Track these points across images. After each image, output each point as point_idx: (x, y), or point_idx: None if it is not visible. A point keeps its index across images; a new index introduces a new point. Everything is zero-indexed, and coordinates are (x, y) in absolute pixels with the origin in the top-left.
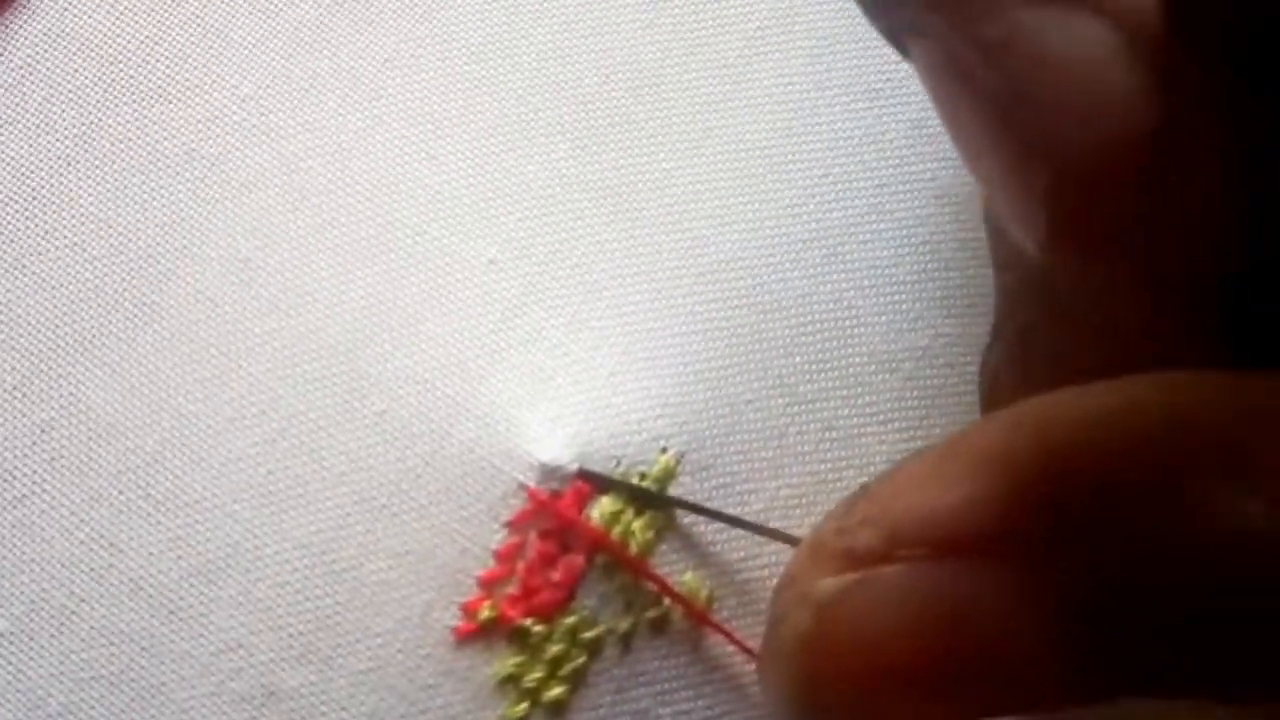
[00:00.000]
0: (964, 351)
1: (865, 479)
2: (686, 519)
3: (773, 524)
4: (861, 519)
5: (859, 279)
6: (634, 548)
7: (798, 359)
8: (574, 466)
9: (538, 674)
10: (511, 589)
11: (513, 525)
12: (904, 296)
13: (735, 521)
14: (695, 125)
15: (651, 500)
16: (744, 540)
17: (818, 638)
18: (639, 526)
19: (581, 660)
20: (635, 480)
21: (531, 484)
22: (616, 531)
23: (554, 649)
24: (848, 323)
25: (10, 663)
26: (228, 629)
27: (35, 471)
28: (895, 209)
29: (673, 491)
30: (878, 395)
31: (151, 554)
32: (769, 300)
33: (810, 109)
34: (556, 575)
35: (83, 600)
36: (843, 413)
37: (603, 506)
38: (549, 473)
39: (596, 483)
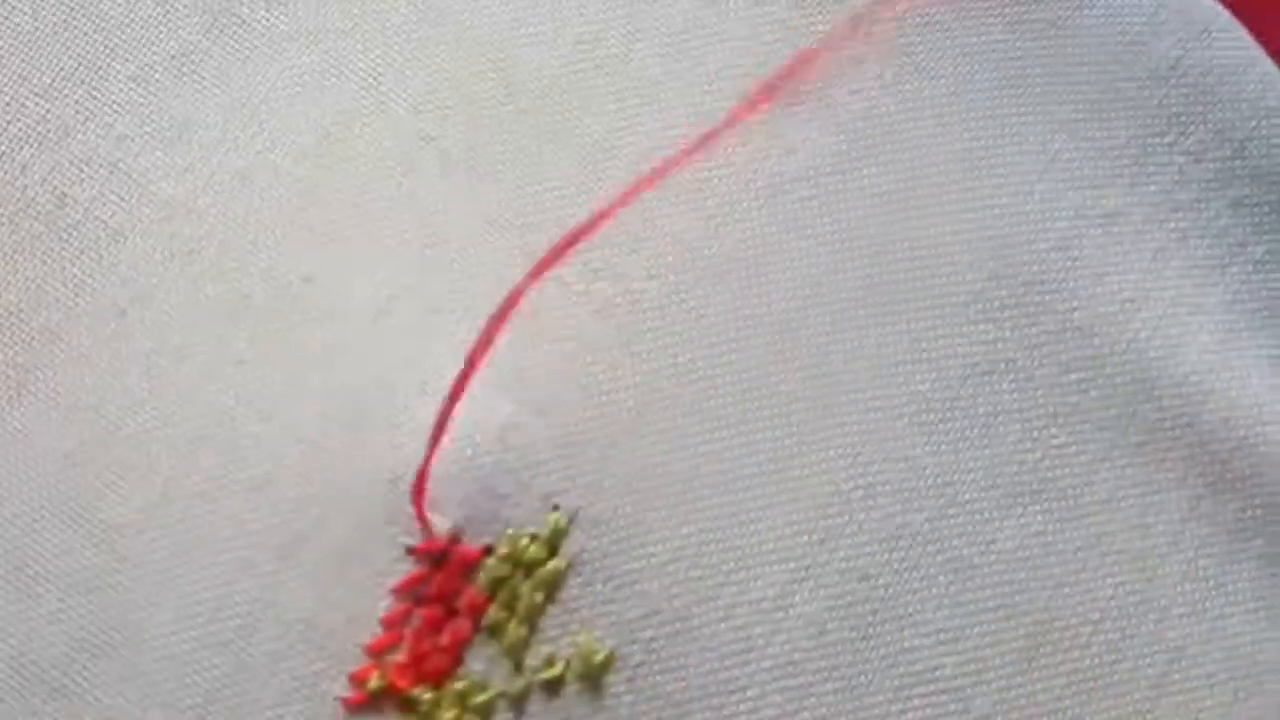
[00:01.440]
0: (916, 368)
1: (793, 516)
2: (577, 579)
3: (683, 572)
4: None
5: (789, 292)
6: (521, 611)
7: (717, 383)
8: (450, 532)
9: None
10: (399, 656)
11: (398, 591)
12: (844, 309)
13: None
14: (601, 145)
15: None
16: (642, 597)
17: None
18: (527, 589)
19: None
20: (524, 542)
21: (416, 546)
22: (502, 596)
23: (445, 715)
24: (777, 340)
25: None
26: (114, 706)
27: None
28: (835, 214)
29: (565, 552)
30: (811, 418)
31: (32, 629)
32: (685, 319)
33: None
34: (444, 640)
35: None
36: (770, 438)
37: (488, 570)
38: (435, 535)
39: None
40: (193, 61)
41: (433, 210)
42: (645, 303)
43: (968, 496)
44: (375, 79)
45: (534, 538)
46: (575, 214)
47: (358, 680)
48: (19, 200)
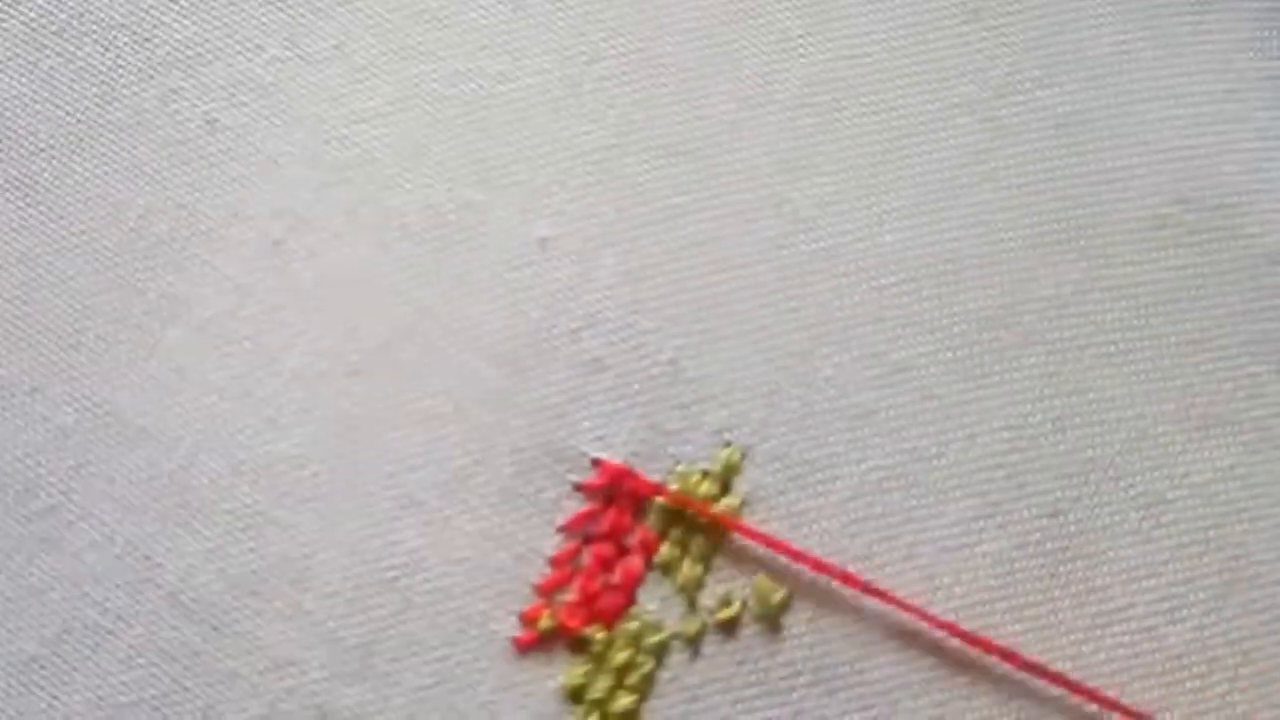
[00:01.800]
0: (1101, 298)
1: (975, 452)
2: (752, 517)
3: (863, 510)
4: None
5: (962, 229)
6: (695, 550)
7: (888, 324)
8: (620, 468)
9: (604, 683)
10: (570, 596)
11: (568, 529)
12: (1020, 243)
13: None
14: (765, 68)
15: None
16: (821, 537)
17: None
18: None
19: (649, 667)
20: (697, 479)
21: (584, 482)
22: (675, 534)
23: (619, 656)
24: (948, 278)
25: (43, 689)
26: (276, 645)
27: (61, 481)
28: (1006, 145)
29: (739, 487)
30: (990, 355)
31: (191, 566)
32: (852, 262)
33: (900, 40)
34: (615, 579)
35: (119, 618)
36: (946, 379)
37: (660, 508)
38: (621, 447)
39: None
40: None
41: (595, 135)
42: (814, 241)
43: (1159, 429)
44: (533, 5)
45: (706, 474)
46: (739, 142)
47: (528, 619)
48: (168, 125)
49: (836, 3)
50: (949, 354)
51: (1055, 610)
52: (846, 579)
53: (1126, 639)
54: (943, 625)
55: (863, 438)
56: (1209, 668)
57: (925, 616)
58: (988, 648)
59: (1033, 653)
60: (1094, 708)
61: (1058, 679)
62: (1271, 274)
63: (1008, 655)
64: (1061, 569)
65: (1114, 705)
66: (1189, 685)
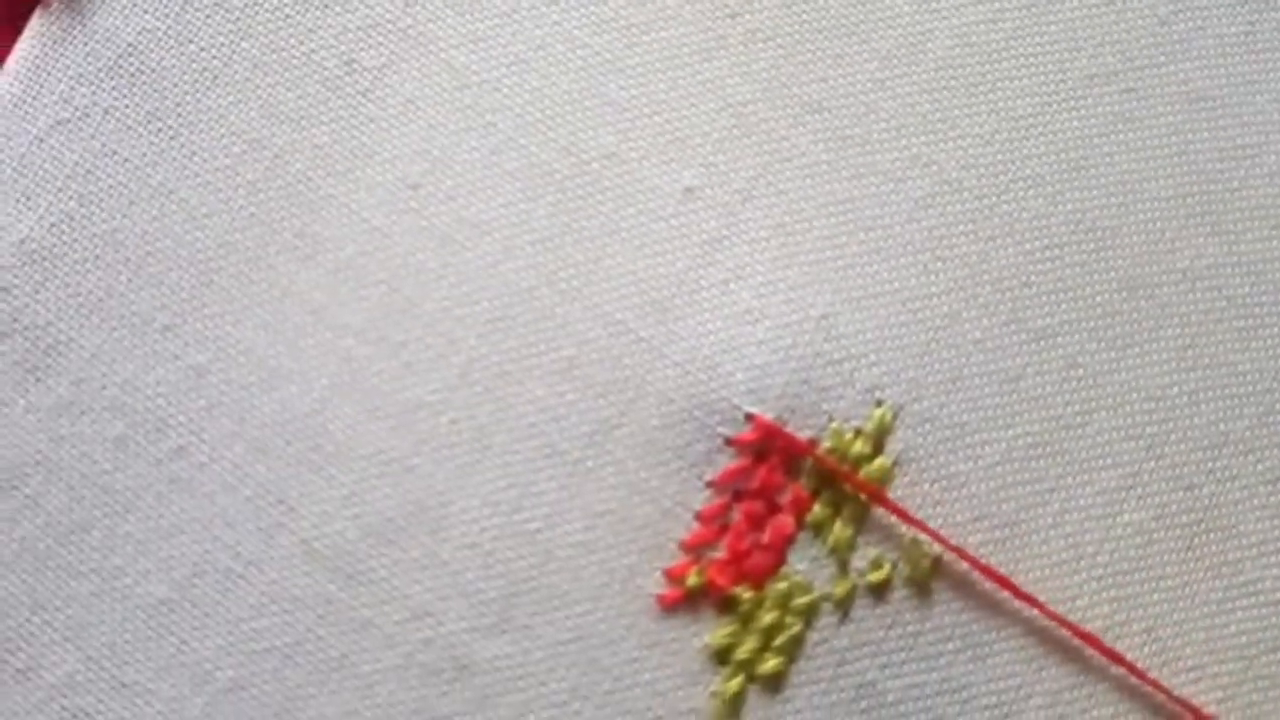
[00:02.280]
0: (1232, 274)
1: (1118, 421)
2: (904, 478)
3: (1011, 476)
4: None
5: (1103, 197)
6: (847, 511)
7: (1033, 290)
8: (772, 423)
9: (751, 645)
10: (718, 553)
11: (717, 484)
12: (1157, 214)
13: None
14: (912, 26)
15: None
16: (971, 500)
17: None
18: (851, 487)
19: (797, 629)
20: (850, 437)
21: (736, 437)
22: (827, 493)
23: (766, 618)
24: (1090, 246)
25: (174, 633)
26: (413, 595)
27: (192, 420)
28: (1143, 116)
29: (891, 448)
30: (1130, 326)
31: (325, 512)
32: (998, 225)
33: (1044, 5)
34: (765, 538)
35: (250, 563)
36: (1089, 347)
37: (813, 466)
38: (773, 402)
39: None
40: None
41: (741, 89)
42: (961, 203)
43: None
44: None
45: (859, 432)
46: (885, 101)
47: (674, 576)
48: (305, 64)
49: None
50: (1091, 322)
51: (1190, 582)
52: (979, 567)
53: (1255, 612)
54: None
55: (1010, 403)
56: None
57: (1059, 620)
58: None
59: (1168, 624)
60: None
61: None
62: None
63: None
64: (1196, 541)
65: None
66: None
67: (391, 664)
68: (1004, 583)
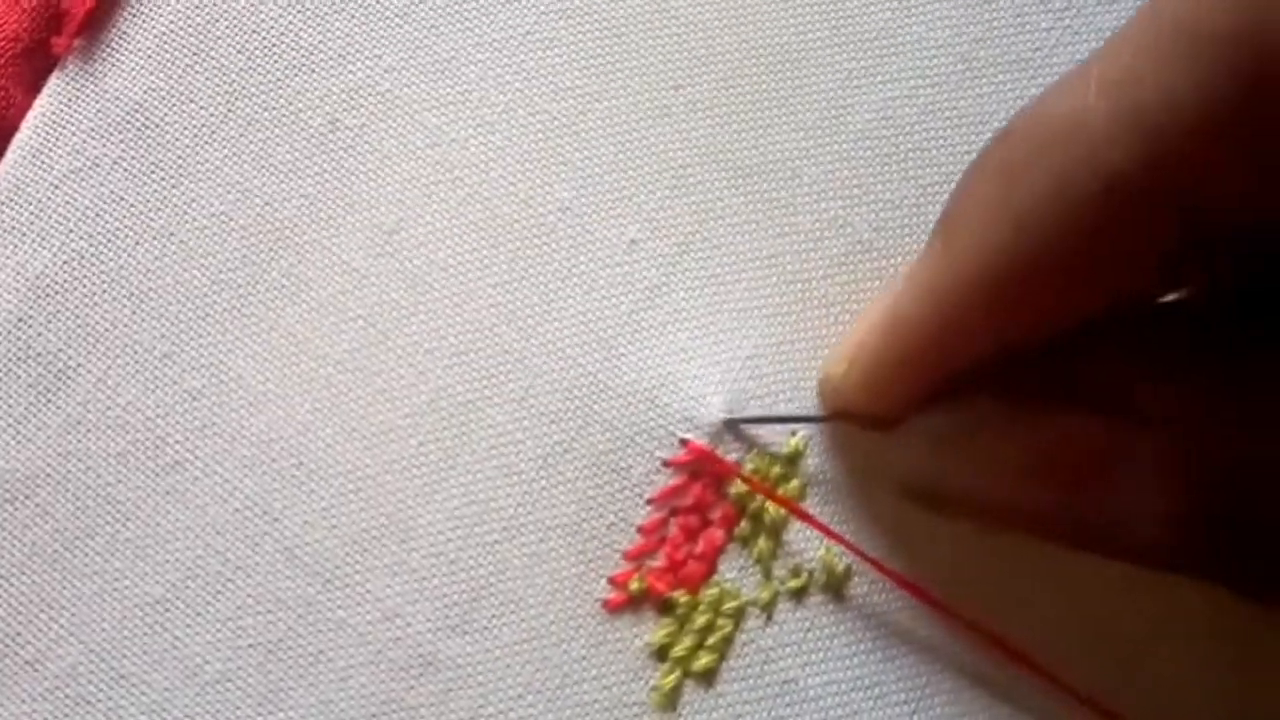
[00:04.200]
0: None
1: None
2: (815, 497)
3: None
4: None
5: None
6: (767, 523)
7: None
8: (720, 418)
9: (687, 643)
10: (658, 562)
11: (656, 501)
12: None
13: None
14: (836, 101)
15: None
16: (875, 517)
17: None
18: (771, 505)
19: (728, 629)
20: (767, 461)
21: (672, 459)
22: (751, 508)
23: (700, 619)
24: None
25: (167, 629)
26: (384, 598)
27: (187, 439)
28: None
29: (803, 470)
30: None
31: (306, 522)
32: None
33: (955, 83)
34: (699, 548)
35: (238, 568)
36: None
37: (738, 485)
38: (704, 430)
39: (738, 432)
40: (456, 2)
41: (681, 153)
42: (874, 260)
43: None
44: (627, 26)
45: (775, 457)
46: (808, 167)
47: (618, 582)
48: (293, 123)
49: (897, 41)
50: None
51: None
52: (882, 570)
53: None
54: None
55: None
56: None
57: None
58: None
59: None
60: None
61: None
62: None
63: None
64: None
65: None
66: None
67: (364, 659)
68: (910, 587)
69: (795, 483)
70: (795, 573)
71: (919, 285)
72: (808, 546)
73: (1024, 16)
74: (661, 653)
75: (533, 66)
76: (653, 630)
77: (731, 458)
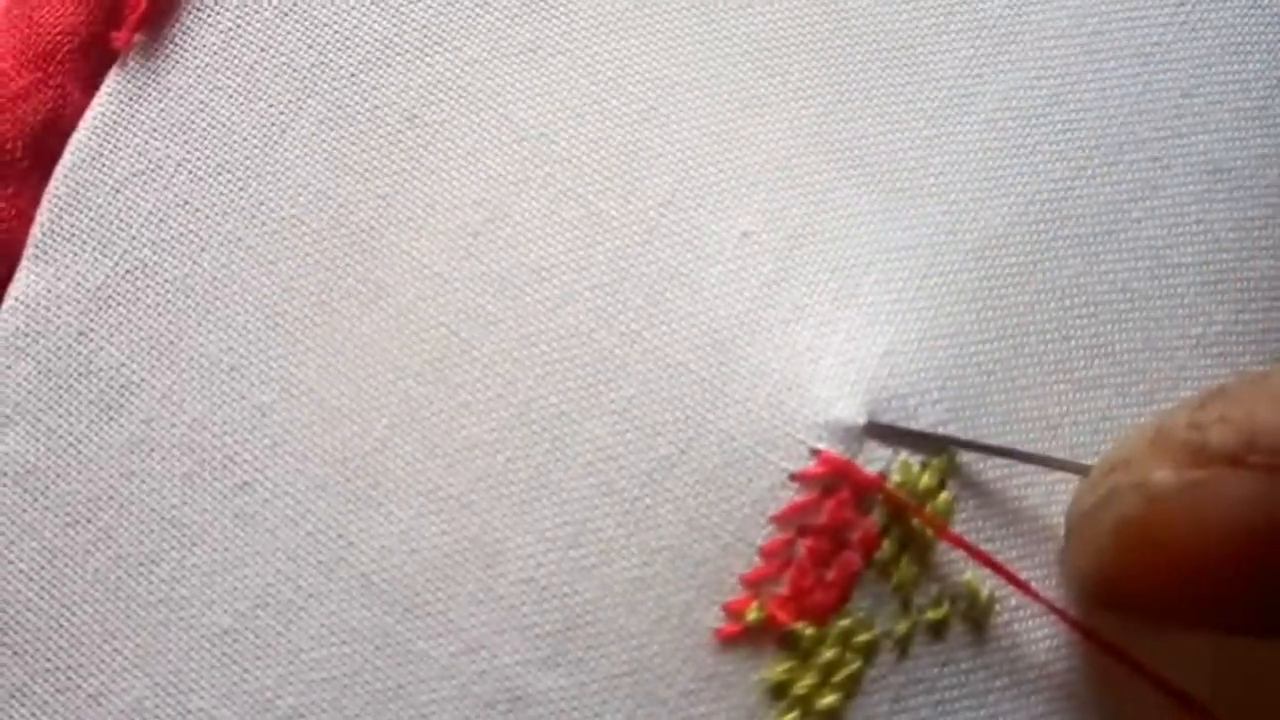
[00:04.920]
0: (1237, 343)
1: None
2: (963, 514)
3: (1056, 515)
4: (1218, 416)
5: (1133, 260)
6: (914, 547)
7: (1073, 343)
8: (859, 423)
9: (809, 681)
10: (781, 589)
11: (781, 520)
12: (1178, 281)
13: (1028, 457)
14: (955, 90)
15: (941, 445)
16: (1020, 538)
17: (1145, 526)
18: (919, 523)
19: (856, 666)
20: (916, 470)
21: (801, 471)
22: (895, 531)
23: (826, 654)
24: (1123, 306)
25: (236, 661)
26: (469, 628)
27: (256, 458)
28: (1168, 185)
29: (952, 484)
30: (1152, 384)
31: (384, 547)
32: (1043, 280)
33: (1077, 74)
34: (830, 574)
35: (311, 595)
36: (1116, 402)
37: (883, 501)
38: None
39: (887, 436)
40: None
41: (784, 142)
42: (1008, 256)
43: None
44: (722, 9)
45: (925, 466)
46: (934, 157)
47: (733, 611)
48: (368, 120)
49: (1016, 28)
50: (1120, 378)
51: None
52: (1031, 594)
53: None
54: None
55: (1051, 448)
56: None
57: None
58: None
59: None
60: None
61: None
62: None
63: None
64: None
65: None
66: None
67: (446, 695)
68: (1066, 617)
69: (945, 496)
70: (937, 602)
71: None
72: (953, 570)
73: (1141, 8)
74: (780, 690)
75: (625, 54)
76: (770, 665)
77: (873, 468)
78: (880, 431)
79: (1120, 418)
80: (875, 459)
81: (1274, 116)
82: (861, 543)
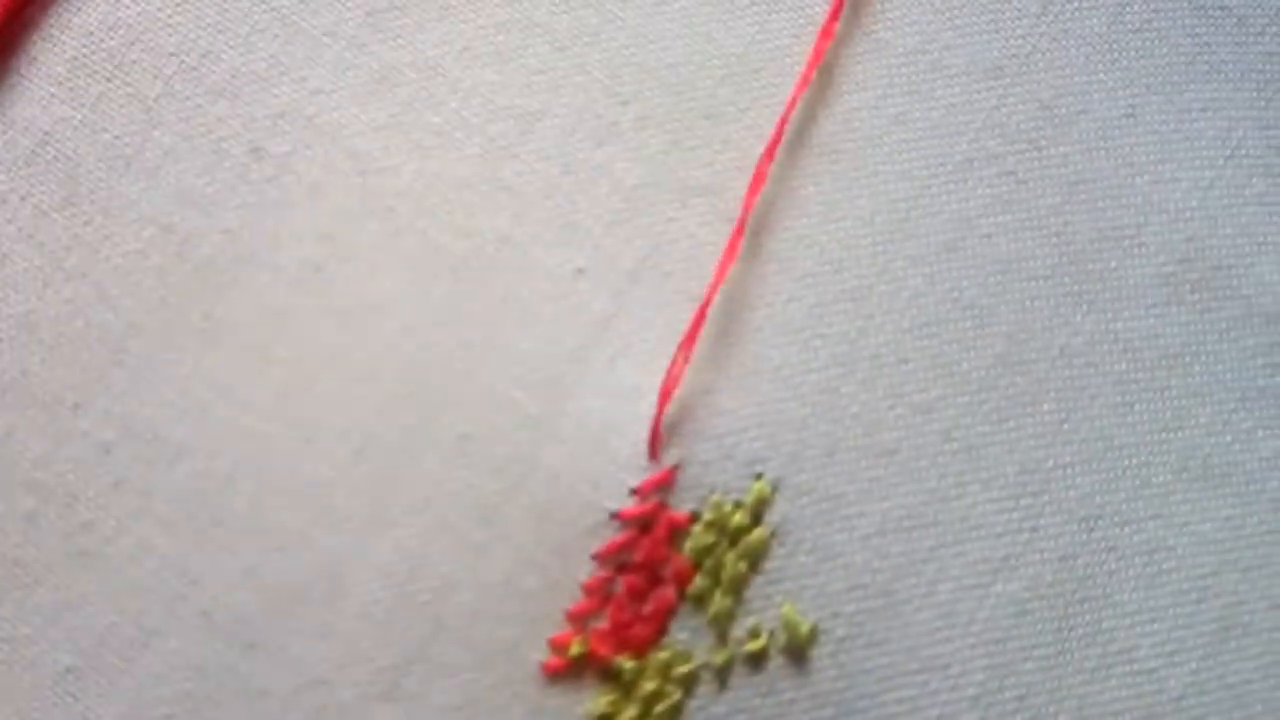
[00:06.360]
0: (1109, 351)
1: (991, 496)
2: (781, 549)
3: (886, 548)
4: None
5: (981, 276)
6: (726, 581)
7: (910, 365)
8: (674, 462)
9: (631, 712)
10: (601, 624)
11: (602, 557)
12: (1034, 293)
13: None
14: (796, 113)
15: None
16: (846, 570)
17: None
18: (731, 558)
19: (677, 697)
20: (729, 509)
21: (621, 511)
22: (708, 564)
23: (647, 686)
24: (967, 324)
25: (78, 699)
26: (310, 664)
27: (99, 496)
28: (1023, 198)
29: (769, 519)
30: (1006, 400)
31: (226, 583)
32: (876, 303)
33: (928, 90)
34: (648, 609)
35: (154, 633)
36: (965, 421)
37: (695, 538)
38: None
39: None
40: (387, 16)
41: (626, 173)
42: (841, 282)
43: (1162, 479)
44: (571, 40)
45: (738, 505)
46: (769, 183)
47: (558, 646)
48: (214, 152)
49: (858, 49)
50: (967, 397)
51: (1064, 651)
52: None
53: (1130, 680)
54: None
55: (885, 476)
56: (1204, 711)
57: None
58: None
59: (1041, 691)
60: None
61: None
62: (1266, 333)
63: None
64: (1071, 611)
65: None
66: None
67: None
68: None
69: (759, 533)
70: (754, 634)
71: None
72: (768, 605)
73: (998, 24)
74: None
75: (470, 85)
76: (594, 698)
77: (687, 507)
78: (697, 470)
79: (966, 438)
80: (688, 498)
81: (1142, 122)
82: (675, 577)
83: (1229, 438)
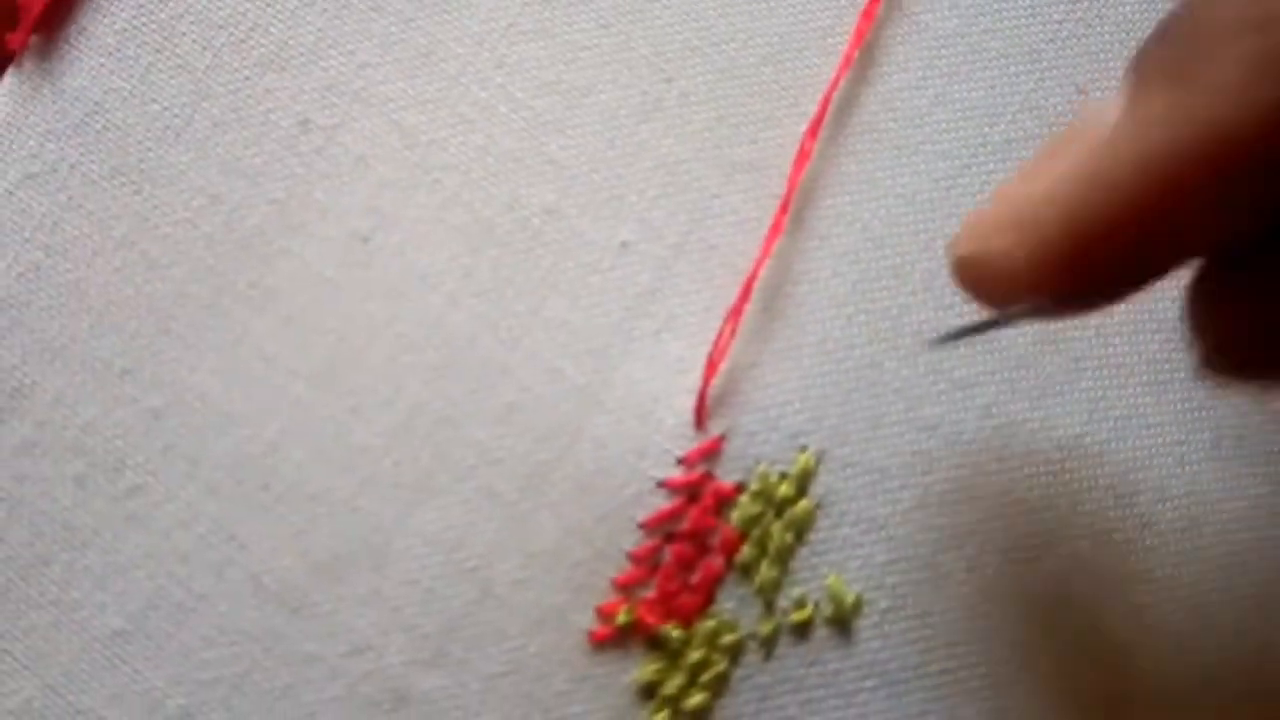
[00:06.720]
0: (1143, 330)
1: (1030, 471)
2: (826, 521)
3: (929, 521)
4: None
5: None
6: (773, 551)
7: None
8: (721, 431)
9: (677, 681)
10: (649, 592)
11: (649, 526)
12: None
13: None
14: (840, 91)
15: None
16: (890, 542)
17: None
18: (778, 529)
19: (722, 666)
20: (775, 480)
21: (669, 480)
22: (755, 534)
23: (694, 655)
24: None
25: (127, 663)
26: (356, 629)
27: (148, 461)
28: None
29: (814, 491)
30: (1045, 377)
31: (273, 549)
32: (919, 280)
33: (967, 72)
34: (695, 578)
35: (202, 597)
36: (1004, 397)
37: (742, 508)
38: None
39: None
40: None
41: (674, 148)
42: (884, 259)
43: (1196, 456)
44: (615, 17)
45: (784, 476)
46: (814, 161)
47: (605, 614)
48: (262, 124)
49: (904, 30)
50: (1008, 373)
51: (1101, 624)
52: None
53: (1163, 654)
54: None
55: (928, 450)
56: (1236, 688)
57: None
58: None
59: (1079, 664)
60: None
61: None
62: None
63: None
64: (1108, 586)
65: None
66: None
67: (333, 695)
68: None
69: (804, 504)
70: (800, 604)
71: (1133, 143)
72: (814, 575)
73: (1035, 8)
74: (649, 690)
75: (515, 60)
76: (641, 666)
77: (733, 478)
78: (742, 440)
79: (1003, 414)
80: (734, 469)
81: None
82: (723, 547)
83: (1260, 417)
